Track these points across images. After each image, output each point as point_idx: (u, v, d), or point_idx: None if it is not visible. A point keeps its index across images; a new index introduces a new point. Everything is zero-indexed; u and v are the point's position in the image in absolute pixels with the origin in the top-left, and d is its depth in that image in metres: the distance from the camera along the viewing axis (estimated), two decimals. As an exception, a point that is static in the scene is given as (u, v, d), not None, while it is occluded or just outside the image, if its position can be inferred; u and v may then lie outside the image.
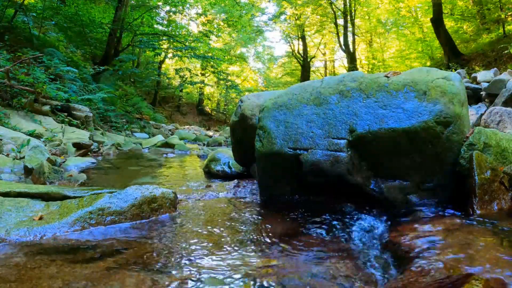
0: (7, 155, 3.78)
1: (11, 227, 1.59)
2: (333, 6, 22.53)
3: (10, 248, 1.43)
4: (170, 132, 12.84)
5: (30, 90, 6.55)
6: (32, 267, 1.24)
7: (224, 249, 1.47)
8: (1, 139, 4.29)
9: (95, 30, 12.97)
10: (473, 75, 9.22)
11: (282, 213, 2.01)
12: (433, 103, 1.87)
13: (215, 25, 21.83)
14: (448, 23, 16.64)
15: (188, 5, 19.24)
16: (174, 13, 19.12)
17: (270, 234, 1.67)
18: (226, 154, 3.94)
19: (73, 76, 8.88)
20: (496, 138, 1.94)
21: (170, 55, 19.99)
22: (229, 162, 3.75)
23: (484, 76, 8.53)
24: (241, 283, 1.18)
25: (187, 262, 1.34)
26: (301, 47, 27.35)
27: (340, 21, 22.92)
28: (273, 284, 1.17)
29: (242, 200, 2.37)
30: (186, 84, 23.00)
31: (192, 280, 1.19)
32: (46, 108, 6.78)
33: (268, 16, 28.65)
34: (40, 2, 10.53)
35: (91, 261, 1.31)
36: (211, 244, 1.53)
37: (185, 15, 20.52)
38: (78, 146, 5.02)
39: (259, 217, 1.99)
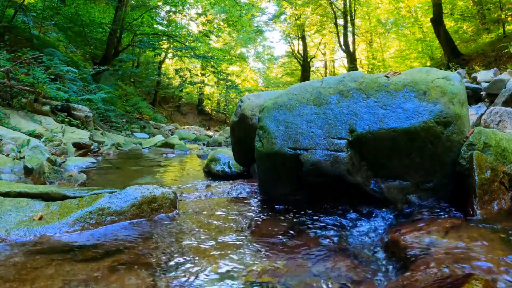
0: (7, 155, 3.78)
1: (11, 227, 1.59)
2: (333, 6, 22.52)
3: (10, 248, 1.43)
4: (170, 132, 12.84)
5: (30, 90, 6.55)
6: (32, 267, 1.24)
7: (224, 249, 1.47)
8: (1, 139, 4.29)
9: (95, 30, 12.96)
10: (473, 75, 9.22)
11: (282, 213, 2.01)
12: (433, 103, 1.87)
13: (215, 25, 21.83)
14: (448, 23, 16.64)
15: (188, 5, 19.26)
16: (174, 13, 19.12)
17: (270, 234, 1.67)
18: (226, 154, 3.94)
19: (73, 76, 8.88)
20: (496, 138, 1.94)
21: (170, 55, 19.98)
22: (229, 162, 3.75)
23: (484, 76, 8.53)
24: (241, 283, 1.18)
25: (187, 262, 1.34)
26: (301, 47, 27.34)
27: (340, 21, 22.92)
28: (273, 284, 1.17)
29: (242, 200, 2.37)
30: (186, 84, 22.99)
31: (192, 280, 1.19)
32: (46, 108, 6.78)
33: (268, 16, 28.62)
34: (40, 2, 10.53)
35: (91, 261, 1.31)
36: (210, 244, 1.53)
37: (185, 15, 20.53)
38: (78, 146, 5.01)
39: (259, 217, 1.99)
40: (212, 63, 18.62)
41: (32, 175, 3.28)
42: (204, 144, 9.81)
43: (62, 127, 6.33)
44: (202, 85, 24.82)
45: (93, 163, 4.38)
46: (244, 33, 25.13)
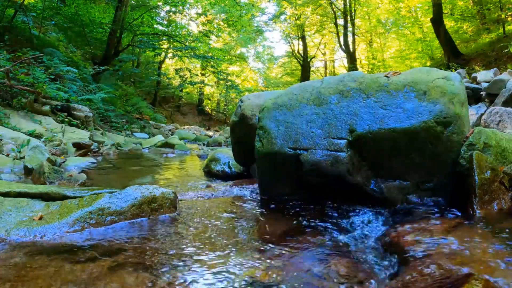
0: (7, 155, 3.78)
1: (11, 227, 1.59)
2: (333, 6, 22.53)
3: (10, 248, 1.43)
4: (170, 132, 12.84)
5: (30, 90, 6.55)
6: (32, 267, 1.24)
7: (224, 249, 1.47)
8: (1, 139, 4.29)
9: (95, 30, 12.96)
10: (473, 75, 9.23)
11: (282, 213, 2.01)
12: (433, 103, 1.87)
13: (215, 25, 21.83)
14: (448, 23, 16.64)
15: (188, 5, 19.26)
16: (174, 13, 19.13)
17: (270, 234, 1.67)
18: (226, 154, 3.94)
19: (73, 76, 8.88)
20: (496, 138, 1.94)
21: (170, 55, 19.99)
22: (229, 162, 3.75)
23: (484, 76, 8.53)
24: (241, 283, 1.18)
25: (187, 262, 1.34)
26: (301, 47, 27.34)
27: (340, 21, 22.92)
28: (273, 284, 1.17)
29: (242, 200, 2.37)
30: (186, 84, 22.99)
31: (192, 280, 1.19)
32: (46, 108, 6.78)
33: (268, 16, 28.60)
34: (40, 2, 10.52)
35: (91, 261, 1.31)
36: (211, 244, 1.53)
37: (185, 15, 20.53)
38: (78, 146, 5.02)
39: (259, 217, 1.99)
40: (212, 63, 18.62)
41: (32, 175, 3.28)
42: (204, 144, 9.81)
43: (62, 127, 6.33)
44: (202, 85, 24.81)
45: (93, 163, 4.38)
46: (244, 33, 25.13)
